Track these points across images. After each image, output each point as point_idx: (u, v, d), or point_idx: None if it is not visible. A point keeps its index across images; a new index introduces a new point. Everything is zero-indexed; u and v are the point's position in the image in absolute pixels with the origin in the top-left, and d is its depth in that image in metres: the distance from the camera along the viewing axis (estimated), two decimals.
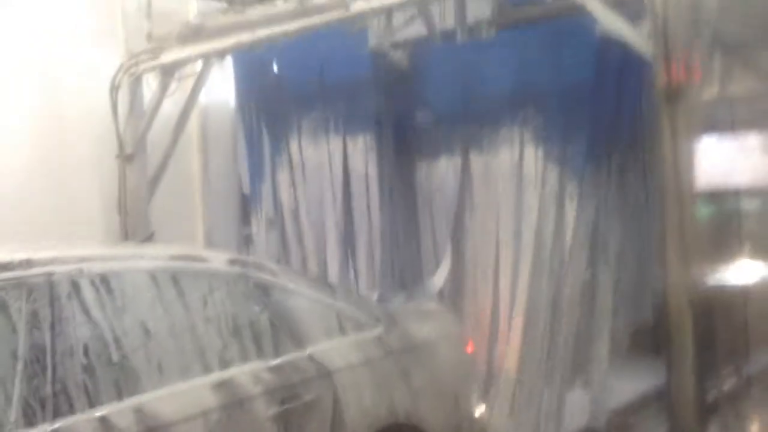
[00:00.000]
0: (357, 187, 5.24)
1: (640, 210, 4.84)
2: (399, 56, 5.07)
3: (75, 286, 2.41)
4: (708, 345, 3.61)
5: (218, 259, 2.94)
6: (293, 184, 5.61)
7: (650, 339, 4.45)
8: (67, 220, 5.28)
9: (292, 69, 5.57)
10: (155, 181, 5.62)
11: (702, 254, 3.51)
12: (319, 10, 4.17)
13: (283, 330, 2.96)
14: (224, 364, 2.71)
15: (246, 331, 2.84)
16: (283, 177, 5.67)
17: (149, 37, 5.26)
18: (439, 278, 4.66)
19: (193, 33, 4.73)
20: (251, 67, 5.88)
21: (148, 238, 3.66)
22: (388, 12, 4.51)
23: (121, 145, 5.42)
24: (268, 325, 2.91)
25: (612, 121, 4.56)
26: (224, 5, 5.28)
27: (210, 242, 6.35)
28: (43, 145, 5.34)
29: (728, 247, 4.56)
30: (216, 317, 2.77)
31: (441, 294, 4.64)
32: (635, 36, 3.64)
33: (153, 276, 2.65)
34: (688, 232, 3.45)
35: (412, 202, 5.13)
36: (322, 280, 3.59)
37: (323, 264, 5.42)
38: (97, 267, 2.51)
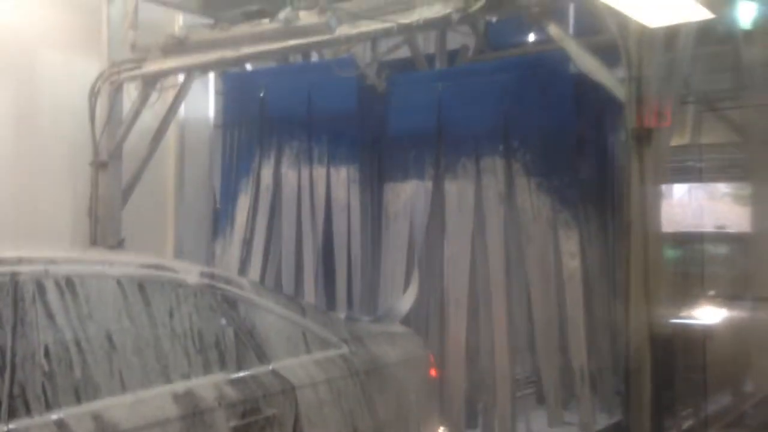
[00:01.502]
0: (338, 214, 5.26)
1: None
2: (377, 81, 5.13)
3: (40, 288, 2.39)
4: (667, 384, 3.67)
5: (186, 270, 2.91)
6: (263, 207, 5.61)
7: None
8: (38, 223, 5.22)
9: (279, 95, 5.60)
10: (129, 189, 5.59)
11: (664, 295, 3.59)
12: (304, 32, 4.22)
13: (248, 344, 2.94)
14: (186, 374, 2.68)
15: (210, 343, 2.82)
16: (246, 199, 5.67)
17: (133, 46, 5.27)
18: (406, 302, 4.68)
19: (177, 45, 4.75)
20: (240, 88, 5.91)
21: (118, 244, 3.61)
22: (373, 38, 4.58)
23: (96, 152, 5.39)
24: (233, 338, 2.90)
25: (593, 155, 4.67)
26: (210, 21, 5.33)
27: (179, 254, 6.31)
28: (17, 147, 5.29)
29: (691, 289, 4.66)
30: (181, 327, 2.74)
31: (408, 317, 4.66)
32: (610, 79, 3.76)
33: (119, 282, 2.61)
34: (651, 272, 3.52)
35: (385, 227, 5.16)
36: (290, 297, 3.58)
37: (299, 284, 5.42)
38: (63, 270, 2.48)
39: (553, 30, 3.92)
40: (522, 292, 4.65)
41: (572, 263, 4.45)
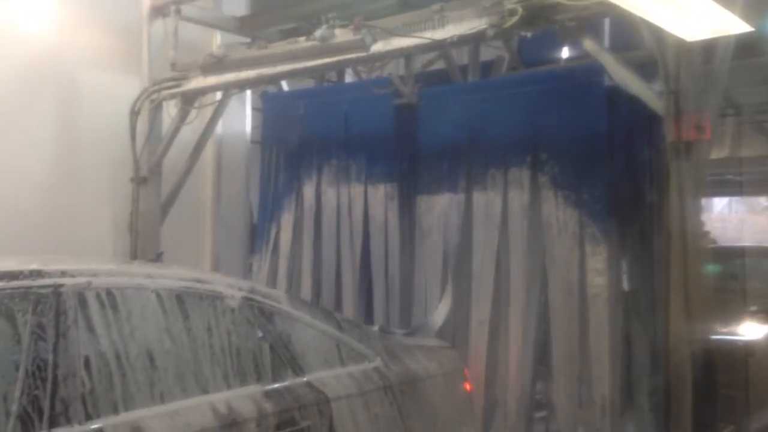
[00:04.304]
0: (376, 231, 5.26)
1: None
2: (410, 94, 5.15)
3: (82, 300, 2.44)
4: (708, 402, 3.58)
5: (225, 284, 2.96)
6: (307, 225, 5.65)
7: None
8: (80, 238, 5.36)
9: (317, 115, 5.65)
10: (168, 205, 5.70)
11: (705, 310, 3.51)
12: (339, 49, 4.27)
13: (283, 356, 2.98)
14: (223, 386, 2.72)
15: (247, 355, 2.86)
16: (290, 217, 5.71)
17: (173, 65, 5.40)
18: (439, 315, 4.63)
19: (216, 64, 4.84)
20: (279, 107, 5.97)
21: (158, 257, 3.69)
22: (407, 54, 4.61)
23: (136, 168, 5.52)
24: (269, 351, 2.93)
25: (626, 168, 4.56)
26: (248, 40, 5.44)
27: (216, 268, 6.40)
28: (60, 164, 5.46)
29: (732, 304, 4.55)
30: (218, 340, 2.79)
31: (442, 331, 4.62)
32: (648, 93, 3.72)
33: (159, 295, 2.67)
34: (692, 287, 3.46)
35: (419, 241, 5.15)
36: (325, 311, 3.59)
37: (338, 299, 5.45)
38: (106, 282, 2.54)
39: (589, 44, 3.90)
40: (542, 309, 4.48)
41: (599, 281, 4.27)
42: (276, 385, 2.88)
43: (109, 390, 2.39)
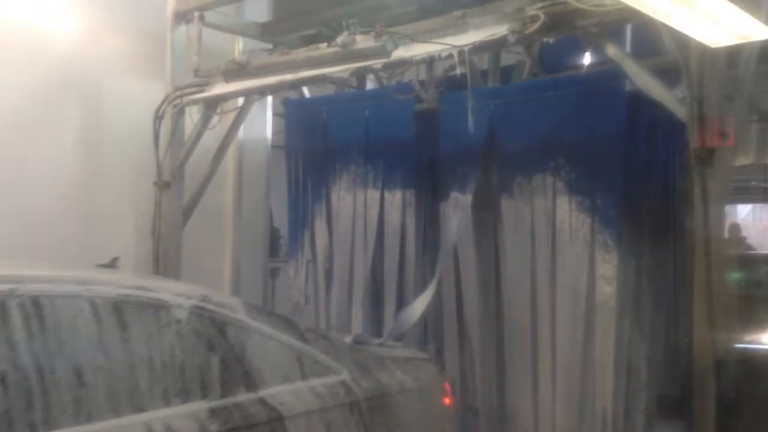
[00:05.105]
0: (390, 239, 5.27)
1: (670, 270, 4.76)
2: (430, 99, 5.16)
3: (3, 309, 2.24)
4: (732, 411, 3.55)
5: (172, 291, 2.74)
6: (329, 232, 5.67)
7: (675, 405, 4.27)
8: (104, 241, 5.43)
9: (339, 121, 5.68)
10: (189, 209, 5.76)
11: (729, 318, 3.48)
12: (361, 55, 4.29)
13: (234, 370, 2.76)
14: (162, 404, 2.51)
15: (192, 370, 2.64)
16: (320, 224, 5.75)
17: (196, 71, 5.45)
18: (409, 316, 4.37)
19: (238, 70, 4.89)
20: (302, 114, 5.99)
21: (112, 262, 3.42)
22: (428, 61, 4.63)
23: (159, 173, 5.58)
24: (219, 365, 2.72)
25: (644, 175, 4.53)
26: (269, 46, 5.48)
27: (237, 272, 6.45)
28: (84, 168, 5.54)
29: (756, 312, 4.50)
30: (159, 353, 2.56)
31: (413, 329, 4.50)
32: (671, 99, 3.70)
33: (93, 304, 2.45)
34: (715, 294, 3.43)
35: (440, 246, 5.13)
36: (287, 321, 3.26)
37: (348, 307, 5.46)
38: (32, 289, 2.33)
39: (612, 50, 3.89)
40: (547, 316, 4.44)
41: (607, 289, 4.21)
42: (224, 402, 2.66)
43: (26, 409, 2.19)
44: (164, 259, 5.49)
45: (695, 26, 2.99)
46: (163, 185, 5.59)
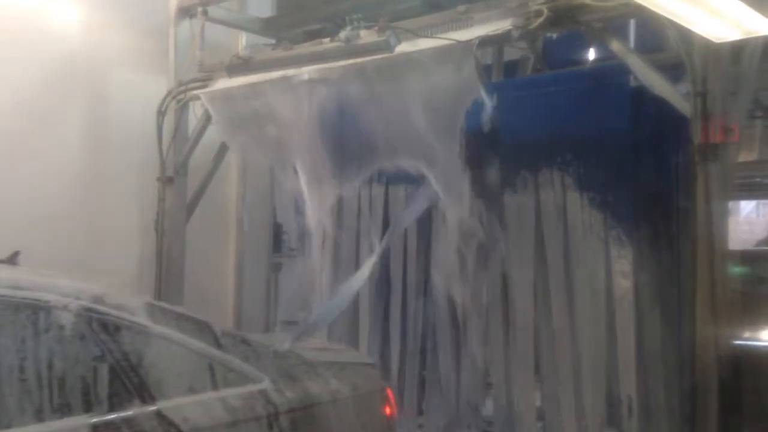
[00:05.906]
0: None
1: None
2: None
3: None
4: (735, 407, 3.55)
5: (58, 291, 2.47)
6: (345, 226, 5.67)
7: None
8: (108, 236, 5.44)
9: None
10: (193, 204, 5.77)
11: (732, 314, 3.48)
12: (364, 50, 4.29)
13: (127, 380, 2.49)
14: (33, 419, 2.26)
15: (74, 381, 2.38)
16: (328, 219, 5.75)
17: (200, 66, 5.45)
18: (325, 313, 4.13)
19: (241, 65, 4.89)
20: None
21: (11, 258, 3.10)
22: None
23: (162, 168, 5.59)
24: (107, 374, 2.45)
25: (652, 169, 4.52)
26: (273, 41, 5.48)
27: (240, 267, 6.46)
28: (88, 163, 5.54)
29: (759, 308, 4.50)
30: (33, 361, 2.31)
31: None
32: (675, 94, 3.69)
33: None
34: (718, 290, 3.42)
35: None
36: (201, 324, 2.91)
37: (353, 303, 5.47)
38: None
39: (616, 45, 3.88)
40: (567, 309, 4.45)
41: (624, 283, 4.23)
42: (111, 417, 2.40)
43: None
44: (167, 255, 5.50)
45: (699, 21, 2.98)
46: (166, 180, 5.60)
